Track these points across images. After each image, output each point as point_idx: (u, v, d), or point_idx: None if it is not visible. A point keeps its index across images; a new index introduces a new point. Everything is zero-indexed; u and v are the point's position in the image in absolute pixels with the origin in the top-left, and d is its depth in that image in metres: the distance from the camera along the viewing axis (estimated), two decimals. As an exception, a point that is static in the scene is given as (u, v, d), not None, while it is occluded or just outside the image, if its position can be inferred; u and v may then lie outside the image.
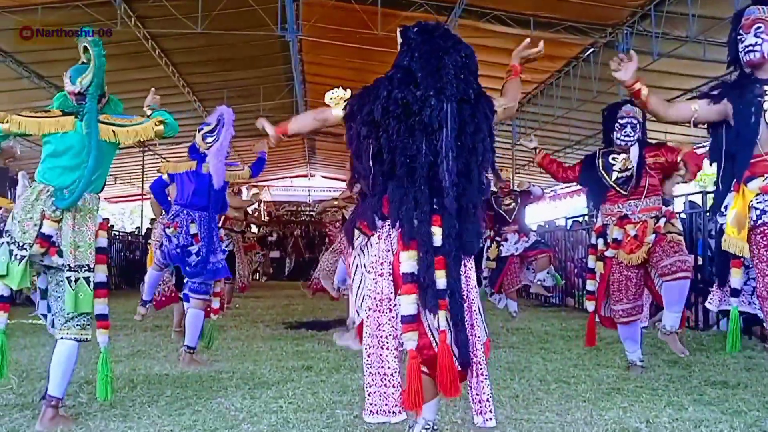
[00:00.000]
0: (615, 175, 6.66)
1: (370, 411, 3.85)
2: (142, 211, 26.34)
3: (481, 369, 4.01)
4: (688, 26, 13.74)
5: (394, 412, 3.82)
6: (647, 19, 14.68)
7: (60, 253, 4.78)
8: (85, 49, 5.18)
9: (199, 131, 7.43)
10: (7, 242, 4.75)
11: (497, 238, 11.55)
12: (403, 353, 3.84)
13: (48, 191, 4.83)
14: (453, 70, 4.03)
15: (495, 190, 11.65)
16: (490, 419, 4.01)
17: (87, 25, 14.31)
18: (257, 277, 26.47)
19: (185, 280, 7.38)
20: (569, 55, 17.66)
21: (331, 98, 4.20)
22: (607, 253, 6.65)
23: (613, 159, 6.72)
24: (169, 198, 7.89)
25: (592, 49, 17.05)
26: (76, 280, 4.78)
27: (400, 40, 4.28)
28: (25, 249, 4.71)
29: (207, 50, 17.51)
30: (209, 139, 7.17)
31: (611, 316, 6.67)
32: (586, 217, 16.68)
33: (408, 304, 3.80)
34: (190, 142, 7.57)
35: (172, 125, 5.28)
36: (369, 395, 3.86)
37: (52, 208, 4.79)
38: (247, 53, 18.20)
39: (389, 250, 3.96)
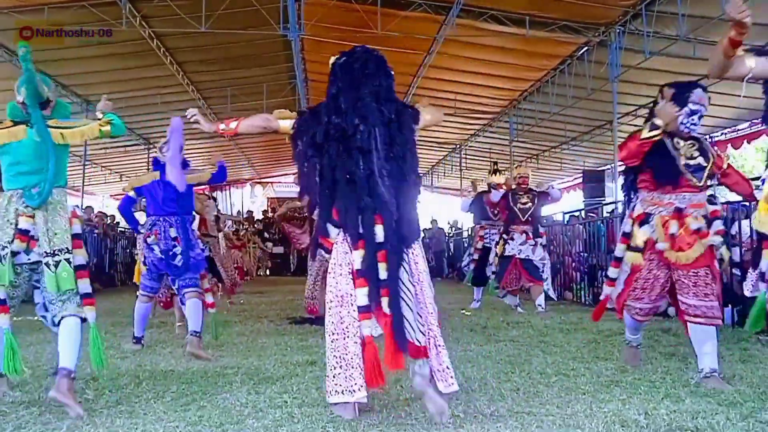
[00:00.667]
0: (683, 160, 5.95)
1: (335, 392, 4.51)
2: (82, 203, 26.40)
3: (437, 341, 4.63)
4: (678, 25, 13.73)
5: (354, 391, 4.48)
6: (639, 18, 14.73)
7: (39, 245, 5.10)
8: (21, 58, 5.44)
9: (159, 148, 7.97)
10: None
11: (504, 236, 11.49)
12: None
13: (18, 194, 5.17)
14: (371, 98, 4.70)
15: (513, 186, 11.69)
16: (452, 384, 4.62)
17: (93, 24, 14.36)
18: (261, 272, 26.54)
19: (176, 285, 7.77)
20: (564, 53, 17.72)
21: (278, 113, 4.91)
22: (658, 246, 5.89)
23: (678, 143, 6.02)
24: (137, 211, 8.42)
25: (585, 48, 17.10)
26: (57, 263, 5.07)
27: (330, 71, 4.97)
28: (6, 247, 5.02)
29: (211, 49, 17.56)
30: (164, 150, 7.64)
31: (627, 311, 6.25)
32: (583, 213, 16.67)
33: (362, 296, 4.50)
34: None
35: (118, 125, 5.55)
36: (334, 377, 4.54)
37: (24, 206, 5.13)
38: (251, 52, 18.23)
39: (347, 253, 4.67)
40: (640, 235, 6.04)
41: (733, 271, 9.90)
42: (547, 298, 12.01)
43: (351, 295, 4.59)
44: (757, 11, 12.63)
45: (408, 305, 4.52)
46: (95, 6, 14.07)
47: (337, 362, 4.55)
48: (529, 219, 11.45)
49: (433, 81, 20.47)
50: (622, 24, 15.31)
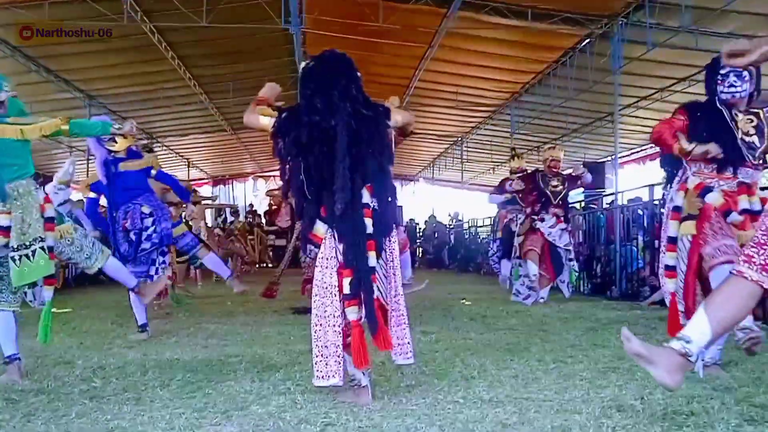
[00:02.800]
0: (740, 134, 5.47)
1: (317, 376, 4.77)
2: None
3: (402, 319, 5.01)
4: (680, 16, 13.75)
5: (332, 376, 4.74)
6: (641, 10, 14.71)
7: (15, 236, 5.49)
8: None
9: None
10: None
11: (534, 216, 11.16)
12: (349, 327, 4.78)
13: None
14: (340, 97, 4.85)
15: (542, 168, 11.44)
16: (410, 357, 5.03)
17: (94, 20, 14.37)
18: (265, 264, 26.56)
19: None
20: (566, 45, 17.70)
21: (261, 110, 5.10)
22: (731, 218, 5.43)
23: (736, 115, 5.55)
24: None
25: (588, 40, 17.07)
26: (33, 253, 5.51)
27: (300, 75, 5.25)
28: None
29: (212, 43, 17.53)
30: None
31: None
32: (582, 203, 16.72)
33: (346, 285, 4.72)
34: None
35: (80, 125, 6.18)
36: (316, 363, 4.77)
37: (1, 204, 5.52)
38: (252, 46, 18.19)
39: (333, 247, 4.85)
40: (697, 203, 5.53)
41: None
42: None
43: (335, 286, 4.81)
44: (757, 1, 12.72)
45: (385, 293, 4.93)
46: (96, 1, 14.04)
47: (318, 350, 4.78)
48: (560, 203, 11.16)
49: (435, 74, 20.42)
50: (624, 15, 15.28)
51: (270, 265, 27.16)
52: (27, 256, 5.48)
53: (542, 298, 11.04)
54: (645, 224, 12.50)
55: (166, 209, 8.20)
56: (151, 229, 7.78)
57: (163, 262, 8.11)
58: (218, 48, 18.14)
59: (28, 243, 5.50)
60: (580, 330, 8.01)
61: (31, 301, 7.55)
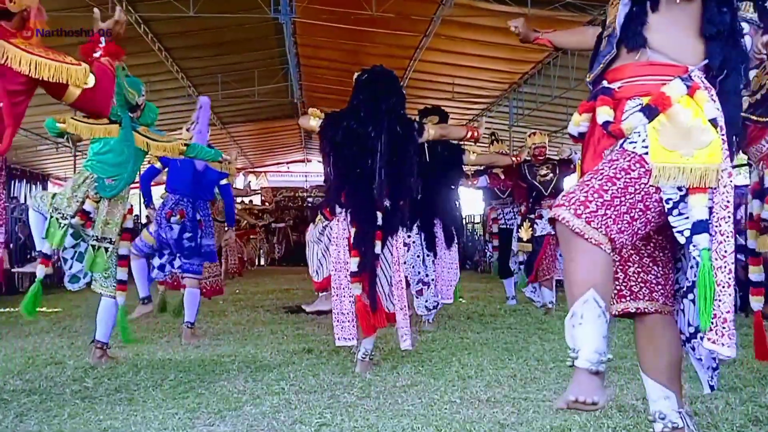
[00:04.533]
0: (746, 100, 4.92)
1: (337, 338, 5.92)
2: (139, 200, 26.32)
3: (405, 311, 6.05)
4: (686, 2, 13.74)
5: (349, 339, 5.91)
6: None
7: (93, 227, 6.11)
8: None
9: (186, 128, 7.76)
10: (52, 213, 6.05)
11: (530, 215, 10.31)
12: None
13: (93, 178, 6.15)
14: (385, 114, 5.97)
15: (528, 158, 10.39)
16: (409, 344, 6.01)
17: (79, 10, 14.20)
18: (262, 263, 26.62)
19: (175, 263, 7.90)
20: (567, 33, 17.62)
21: (311, 111, 6.16)
22: None
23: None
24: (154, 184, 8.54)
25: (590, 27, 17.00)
26: (97, 248, 6.12)
27: (354, 83, 6.22)
28: (67, 218, 6.00)
29: (200, 34, 17.36)
30: (192, 128, 7.52)
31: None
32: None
33: (353, 263, 5.83)
34: (181, 128, 7.87)
35: (195, 149, 6.83)
36: (335, 327, 5.93)
37: (95, 191, 6.11)
38: (241, 36, 18.01)
39: (345, 229, 5.96)
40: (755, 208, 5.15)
41: (738, 256, 9.97)
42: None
43: (347, 262, 5.90)
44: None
45: (384, 280, 6.06)
46: None
47: (336, 316, 5.94)
48: (554, 192, 10.03)
49: (430, 64, 20.25)
50: (627, 0, 15.22)
51: (264, 264, 27.20)
52: (106, 249, 6.17)
53: (551, 303, 10.10)
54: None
55: (210, 223, 8.18)
56: (188, 238, 7.71)
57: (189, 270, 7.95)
58: (206, 39, 17.96)
59: (107, 237, 6.16)
60: (579, 329, 8.04)
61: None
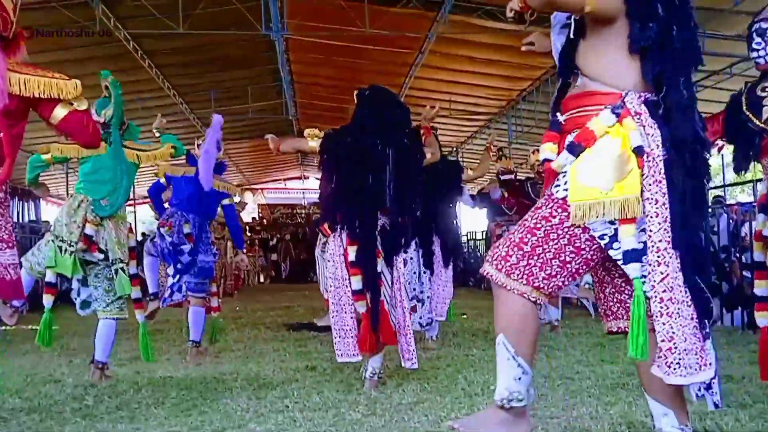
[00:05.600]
0: None
1: (339, 354, 5.83)
2: (135, 216, 26.26)
3: (407, 329, 5.97)
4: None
5: (353, 355, 5.82)
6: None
7: (100, 250, 6.08)
8: (106, 87, 6.27)
9: (197, 145, 8.06)
10: (52, 240, 5.99)
11: None
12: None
13: (88, 200, 6.09)
14: (391, 126, 5.91)
15: (532, 175, 10.35)
16: (414, 363, 5.93)
17: (66, 25, 14.11)
18: (261, 280, 26.58)
19: (181, 282, 7.81)
20: (565, 49, 17.59)
21: (308, 133, 6.04)
22: None
23: (763, 90, 4.75)
24: (165, 204, 8.27)
25: (588, 43, 16.99)
26: (116, 271, 6.10)
27: (356, 100, 6.08)
28: (73, 245, 5.94)
29: (191, 51, 17.21)
30: (202, 146, 7.70)
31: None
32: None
33: (356, 282, 5.73)
34: (185, 146, 7.87)
35: (180, 149, 6.83)
36: (336, 343, 5.83)
37: (93, 214, 6.06)
38: (233, 53, 17.90)
39: (340, 245, 5.89)
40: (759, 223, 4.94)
41: (743, 273, 9.94)
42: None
43: (346, 278, 5.84)
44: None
45: (386, 299, 5.85)
46: (66, 8, 13.72)
47: (337, 332, 5.84)
48: None
49: (426, 81, 20.18)
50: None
51: (263, 281, 27.19)
52: (124, 270, 6.17)
53: (557, 320, 9.74)
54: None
55: (209, 240, 8.08)
56: (187, 253, 7.63)
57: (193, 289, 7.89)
58: (197, 56, 17.80)
59: (122, 259, 6.17)
60: (586, 345, 8.02)
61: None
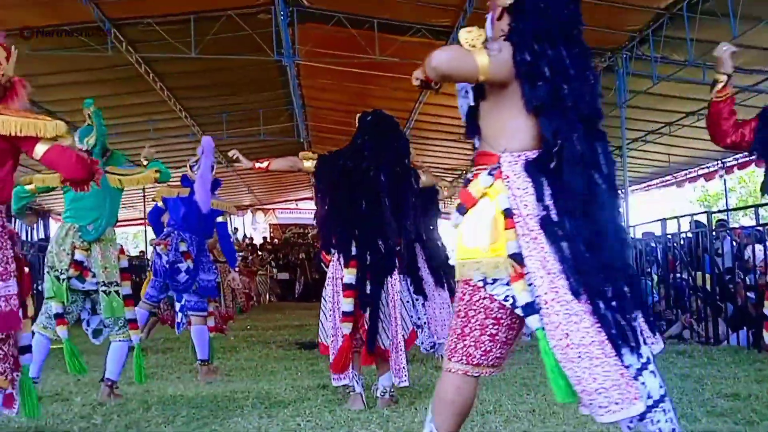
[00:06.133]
0: None
1: (333, 378, 5.76)
2: (145, 235, 26.28)
3: (400, 347, 5.85)
4: (686, 50, 13.70)
5: (350, 378, 5.69)
6: (646, 43, 14.65)
7: (93, 275, 6.05)
8: (89, 115, 6.32)
9: (189, 166, 8.11)
10: (48, 272, 6.04)
11: None
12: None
13: (75, 228, 6.08)
14: (389, 153, 5.86)
15: None
16: (405, 380, 5.82)
17: (78, 50, 14.16)
18: (269, 299, 26.53)
19: (182, 302, 7.88)
20: (571, 77, 17.64)
21: (302, 156, 6.00)
22: None
23: None
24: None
25: (593, 73, 17.02)
26: (109, 293, 6.05)
27: (357, 124, 6.07)
28: (65, 273, 5.95)
29: (203, 75, 17.23)
30: (195, 168, 7.80)
31: None
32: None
33: (346, 304, 5.66)
34: (186, 166, 7.97)
35: (165, 173, 6.72)
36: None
37: (81, 240, 6.05)
38: (245, 78, 17.89)
39: (339, 269, 5.81)
40: None
41: (747, 294, 9.91)
42: None
43: (340, 302, 5.78)
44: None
45: (381, 319, 5.77)
46: (79, 31, 13.81)
47: (333, 356, 5.74)
48: None
49: (435, 107, 20.10)
50: (629, 49, 15.21)
51: (274, 300, 27.17)
52: (117, 292, 6.12)
53: None
54: (659, 258, 12.42)
55: (208, 258, 8.06)
56: (184, 271, 7.61)
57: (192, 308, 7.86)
58: (209, 79, 17.84)
59: (112, 280, 6.12)
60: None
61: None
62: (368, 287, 5.69)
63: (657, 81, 15.00)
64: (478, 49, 3.12)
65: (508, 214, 3.11)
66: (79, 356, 5.95)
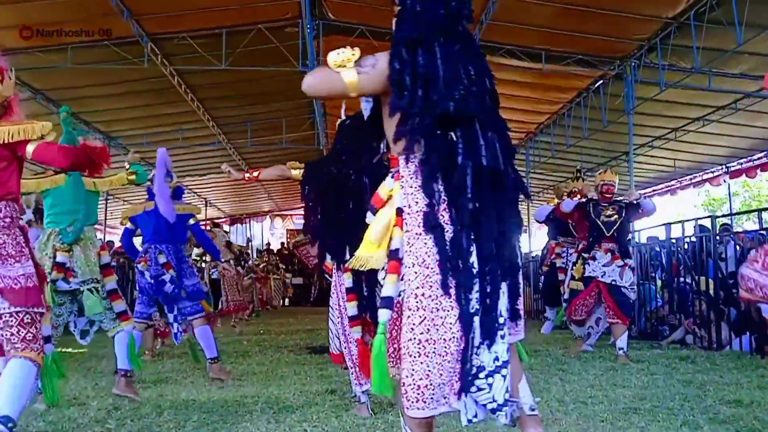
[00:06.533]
0: None
1: (354, 383, 5.67)
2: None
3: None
4: (693, 58, 13.68)
5: (360, 384, 5.56)
6: (654, 51, 14.65)
7: (76, 275, 6.11)
8: (59, 123, 6.21)
9: (149, 179, 7.86)
10: None
11: (584, 254, 9.46)
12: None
13: (56, 232, 6.20)
14: (367, 154, 5.58)
15: (595, 197, 9.69)
16: None
17: (116, 63, 14.42)
18: (279, 303, 26.58)
19: (174, 313, 7.85)
20: (580, 86, 17.66)
21: (291, 164, 6.07)
22: None
23: None
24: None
25: (601, 81, 17.04)
26: (91, 290, 6.13)
27: (336, 130, 6.08)
28: (48, 276, 5.62)
29: (231, 86, 17.56)
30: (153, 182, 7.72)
31: None
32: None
33: (351, 308, 5.57)
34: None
35: (141, 174, 6.75)
36: (352, 373, 5.67)
37: (61, 242, 6.13)
38: (270, 88, 18.14)
39: (340, 276, 5.75)
40: None
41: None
42: (563, 324, 11.65)
43: (346, 308, 5.69)
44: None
45: None
46: (118, 45, 14.13)
47: (351, 362, 5.68)
48: (615, 235, 9.32)
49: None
50: (637, 57, 15.22)
51: (288, 304, 27.22)
52: (97, 289, 6.17)
53: (621, 349, 8.89)
54: (663, 262, 12.38)
55: (188, 263, 8.07)
56: (169, 281, 7.61)
57: (182, 314, 7.87)
58: (237, 90, 18.16)
59: (92, 278, 6.18)
60: (599, 369, 7.87)
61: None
62: (365, 290, 5.63)
63: (664, 88, 14.99)
64: (347, 69, 3.22)
65: (399, 212, 3.28)
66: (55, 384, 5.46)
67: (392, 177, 3.39)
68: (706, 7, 12.37)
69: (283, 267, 28.11)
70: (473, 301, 3.07)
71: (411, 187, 3.21)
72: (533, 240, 26.62)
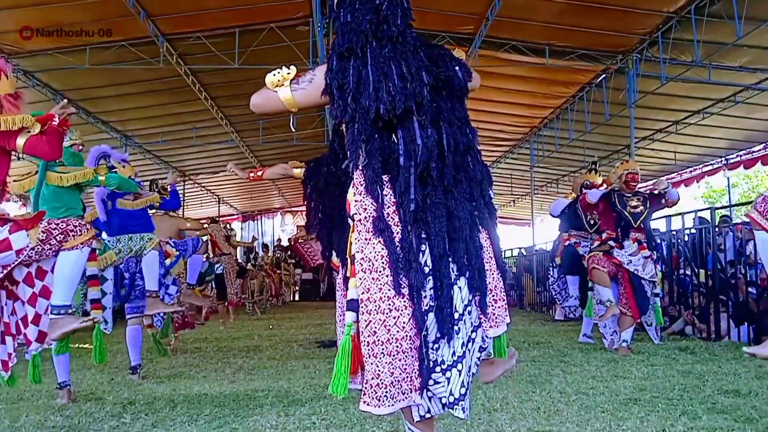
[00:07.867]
0: None
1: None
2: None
3: None
4: (693, 51, 13.69)
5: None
6: (655, 45, 14.68)
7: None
8: None
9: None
10: None
11: (611, 242, 9.13)
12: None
13: None
14: None
15: (619, 188, 9.32)
16: None
17: (132, 63, 14.53)
18: (292, 298, 26.66)
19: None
20: (582, 80, 17.68)
21: (292, 163, 6.09)
22: None
23: None
24: None
25: (603, 75, 17.06)
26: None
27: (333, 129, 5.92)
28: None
29: (244, 84, 17.59)
30: None
31: None
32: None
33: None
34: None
35: (113, 179, 7.00)
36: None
37: None
38: (282, 87, 18.23)
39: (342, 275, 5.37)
40: None
41: (749, 289, 9.86)
42: (565, 316, 11.67)
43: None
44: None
45: None
46: (135, 45, 14.25)
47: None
48: (642, 226, 9.09)
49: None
50: (639, 51, 15.24)
51: (297, 299, 27.27)
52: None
53: (625, 342, 8.91)
54: (664, 254, 12.37)
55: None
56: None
57: (169, 294, 7.84)
58: (250, 88, 17.92)
59: None
60: (600, 361, 7.89)
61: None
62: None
63: (665, 81, 15.00)
64: (284, 87, 3.40)
65: (352, 219, 3.38)
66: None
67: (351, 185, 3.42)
68: (706, 1, 12.41)
69: (293, 262, 28.19)
70: (427, 299, 3.12)
71: (360, 194, 3.28)
72: (537, 234, 26.51)
